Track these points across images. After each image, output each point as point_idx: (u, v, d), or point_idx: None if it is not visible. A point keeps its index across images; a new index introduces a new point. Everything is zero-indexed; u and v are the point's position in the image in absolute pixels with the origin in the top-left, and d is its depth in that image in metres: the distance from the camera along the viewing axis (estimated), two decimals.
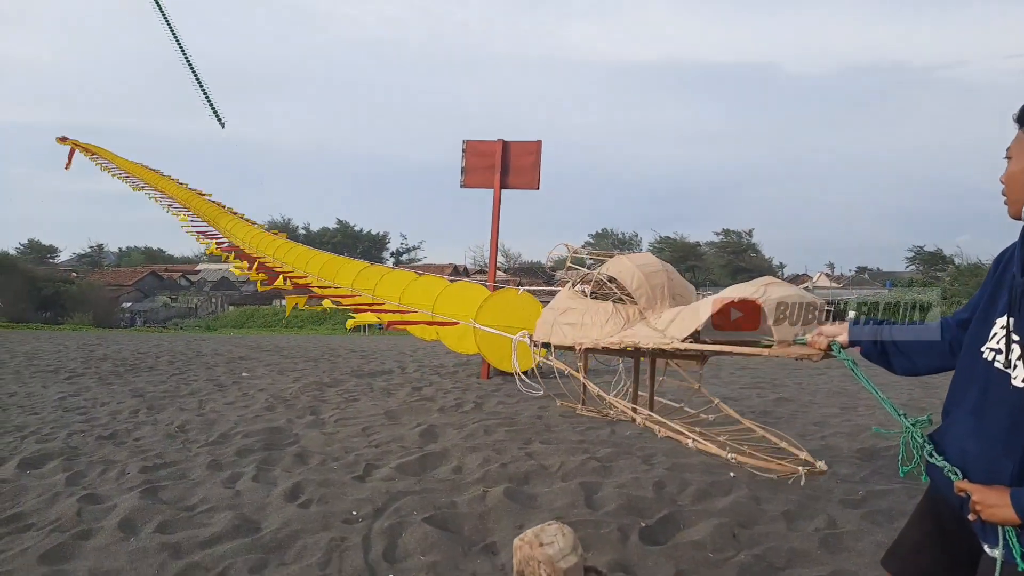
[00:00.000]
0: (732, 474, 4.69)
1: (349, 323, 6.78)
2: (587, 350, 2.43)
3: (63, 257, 73.28)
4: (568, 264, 2.84)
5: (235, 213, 17.06)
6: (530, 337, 2.76)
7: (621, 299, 2.45)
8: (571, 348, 2.49)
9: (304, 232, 65.00)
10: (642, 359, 2.73)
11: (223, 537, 3.76)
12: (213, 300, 51.63)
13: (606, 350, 2.39)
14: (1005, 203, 1.66)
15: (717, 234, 64.11)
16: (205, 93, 43.64)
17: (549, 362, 2.71)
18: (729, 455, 1.87)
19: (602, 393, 2.45)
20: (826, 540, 3.69)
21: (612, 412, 2.54)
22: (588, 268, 2.67)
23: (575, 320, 2.46)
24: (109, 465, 5.13)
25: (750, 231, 62.84)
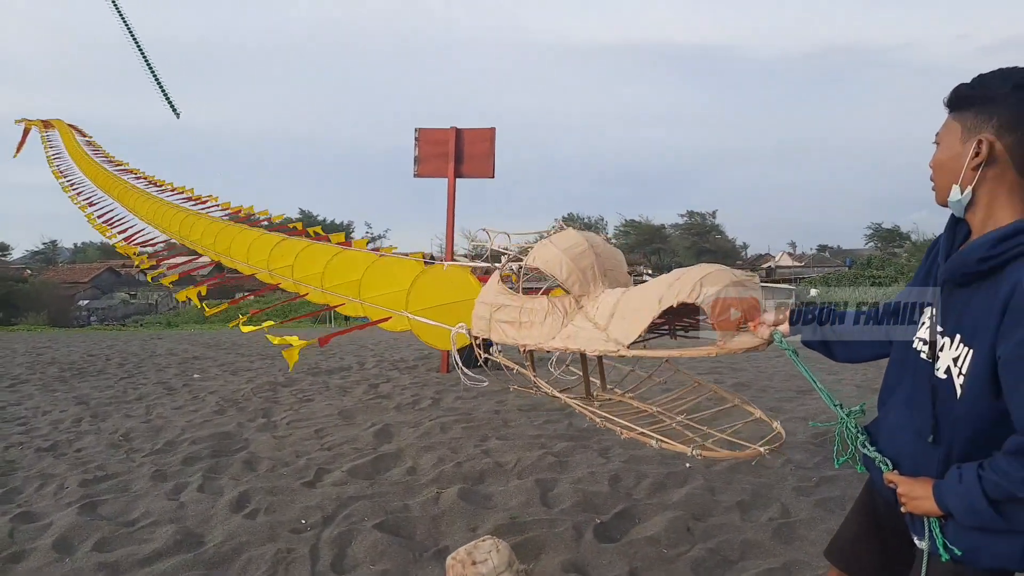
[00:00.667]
0: (687, 464, 4.68)
1: (245, 327, 4.89)
2: (530, 352, 2.33)
3: (15, 255, 70.67)
4: (490, 250, 2.72)
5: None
6: (468, 331, 2.64)
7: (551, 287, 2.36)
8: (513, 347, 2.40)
9: (267, 223, 63.73)
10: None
11: (164, 553, 3.61)
12: (172, 296, 50.44)
13: (552, 352, 2.30)
14: (933, 189, 1.63)
15: (682, 216, 64.75)
16: (158, 81, 41.91)
17: (493, 357, 2.60)
18: (694, 452, 1.81)
19: (555, 393, 2.36)
20: (779, 530, 3.69)
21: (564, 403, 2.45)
22: (513, 255, 2.55)
23: (512, 318, 2.36)
24: (47, 479, 4.91)
25: (713, 212, 63.58)
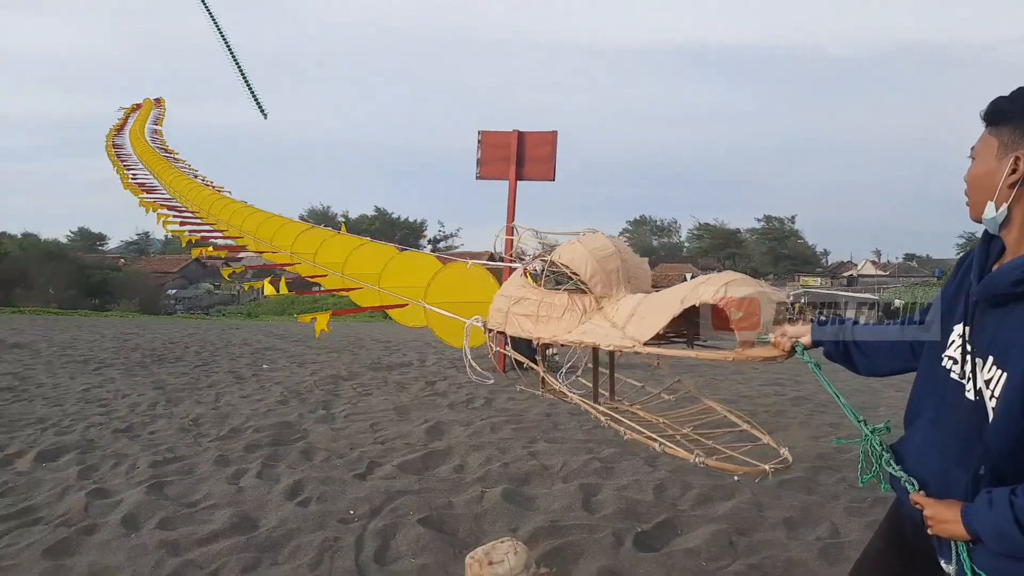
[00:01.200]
0: (736, 478, 4.60)
1: (269, 290, 5.68)
2: (544, 345, 2.36)
3: (111, 245, 75.29)
4: (518, 245, 2.77)
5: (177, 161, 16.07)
6: (484, 323, 2.69)
7: (576, 286, 2.38)
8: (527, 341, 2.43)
9: (343, 220, 65.66)
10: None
11: (220, 535, 3.81)
12: (254, 287, 52.56)
13: (566, 347, 2.33)
14: (967, 204, 1.58)
15: (759, 220, 63.12)
16: (247, 82, 43.82)
17: (507, 352, 2.65)
18: (696, 459, 1.82)
19: (563, 389, 2.39)
20: (826, 550, 3.59)
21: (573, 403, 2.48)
22: (539, 252, 2.59)
23: (530, 311, 2.39)
24: (121, 459, 5.23)
25: (792, 217, 61.78)
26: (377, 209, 68.36)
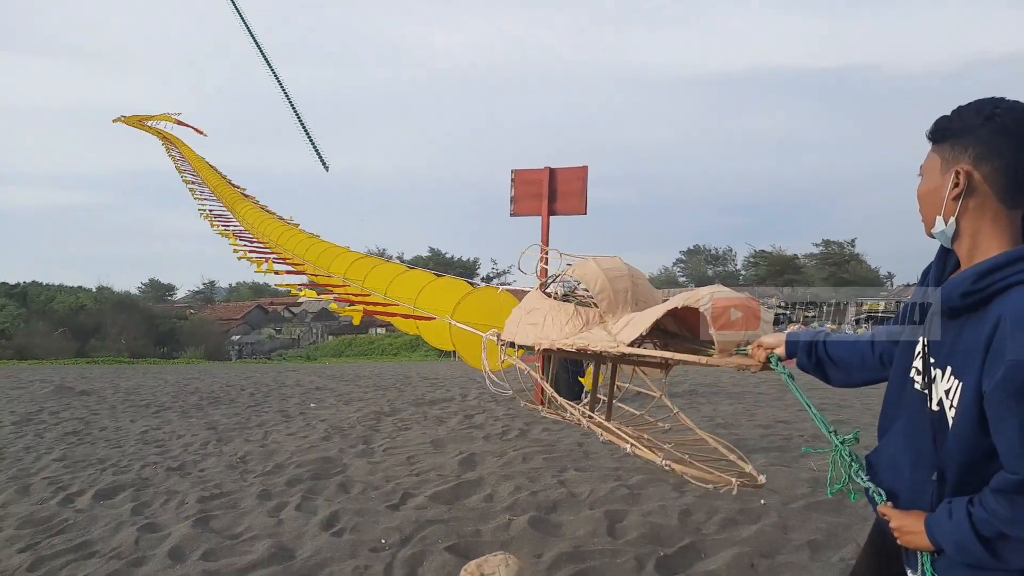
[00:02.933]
0: (763, 501, 4.59)
1: (333, 306, 7.27)
2: (544, 350, 2.50)
3: (179, 294, 78.40)
4: (541, 265, 2.94)
5: (246, 195, 16.38)
6: (498, 335, 2.85)
7: (585, 302, 2.52)
8: (531, 348, 2.57)
9: (398, 260, 67.00)
10: (603, 365, 2.78)
11: (258, 565, 4.00)
12: (314, 331, 53.89)
13: (561, 350, 2.45)
14: (922, 220, 1.65)
15: (816, 245, 61.53)
16: (310, 138, 45.22)
17: (514, 361, 2.79)
18: (664, 462, 1.91)
19: (554, 395, 2.52)
20: (848, 570, 3.56)
21: (569, 416, 2.60)
22: (558, 273, 2.75)
23: (538, 320, 2.53)
24: (171, 495, 5.52)
25: (852, 241, 59.95)
26: (431, 250, 69.47)
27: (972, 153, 1.49)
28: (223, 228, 13.36)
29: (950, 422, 1.48)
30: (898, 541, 1.59)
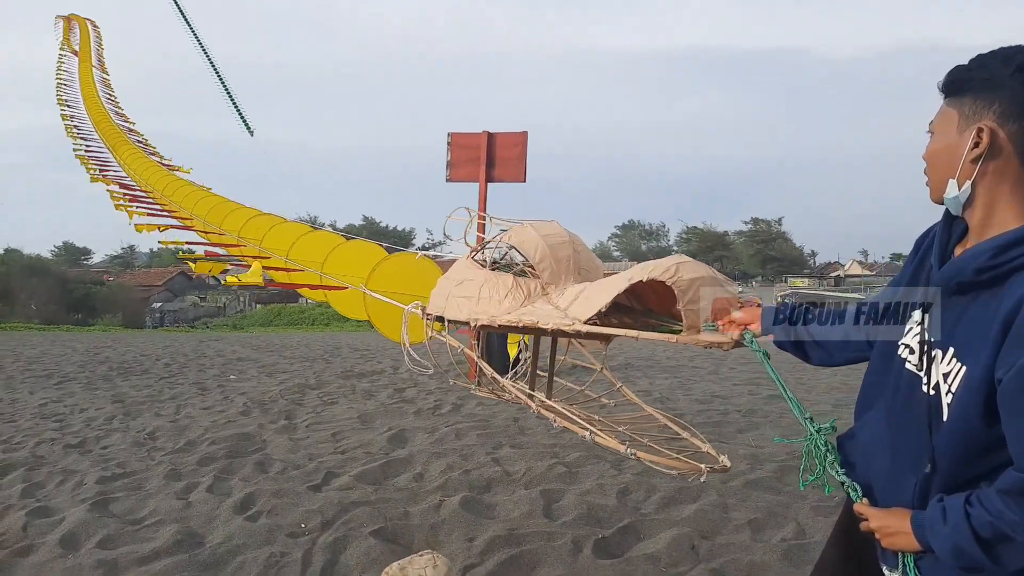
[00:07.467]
0: (703, 479, 4.49)
1: (230, 279, 6.10)
2: (483, 327, 2.22)
3: (96, 259, 74.22)
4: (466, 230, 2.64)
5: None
6: (423, 308, 2.56)
7: (523, 272, 2.25)
8: (466, 323, 2.29)
9: (331, 228, 65.12)
10: (542, 337, 2.54)
11: (162, 553, 3.63)
12: (240, 299, 52.03)
13: (503, 327, 2.18)
14: (927, 184, 1.44)
15: (746, 223, 63.69)
16: (233, 101, 43.53)
17: (442, 338, 2.51)
18: (629, 451, 1.69)
19: (495, 375, 2.26)
20: (791, 551, 3.48)
21: (507, 395, 2.34)
22: (490, 238, 2.46)
23: (471, 293, 2.26)
24: (68, 475, 5.02)
25: (779, 220, 62.31)
26: (365, 218, 68.01)
27: (998, 109, 1.27)
28: (100, 174, 12.12)
29: (944, 409, 1.30)
30: (882, 544, 1.41)
